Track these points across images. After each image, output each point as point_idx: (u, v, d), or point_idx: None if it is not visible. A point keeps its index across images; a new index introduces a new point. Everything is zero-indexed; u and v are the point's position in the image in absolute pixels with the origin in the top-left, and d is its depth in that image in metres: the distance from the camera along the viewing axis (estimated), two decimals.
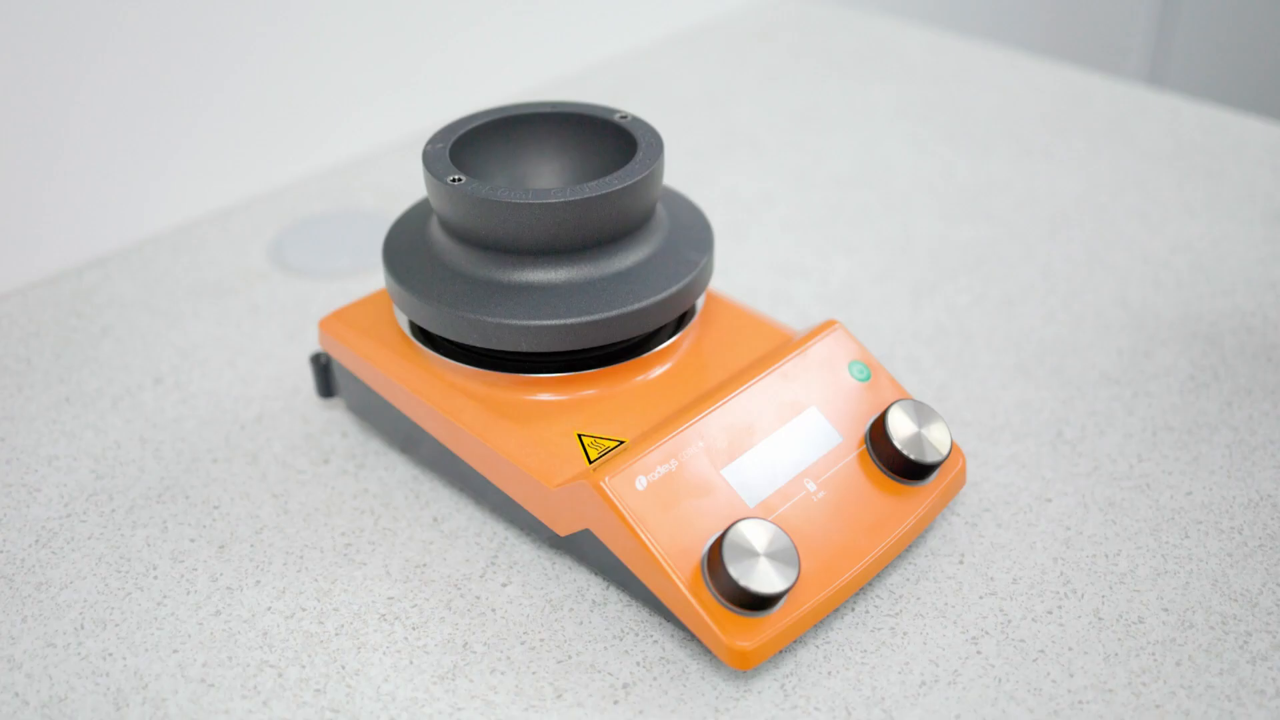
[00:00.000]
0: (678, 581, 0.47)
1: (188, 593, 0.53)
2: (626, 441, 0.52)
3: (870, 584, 0.53)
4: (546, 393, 0.55)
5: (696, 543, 0.49)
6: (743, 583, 0.47)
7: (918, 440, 0.53)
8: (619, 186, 0.52)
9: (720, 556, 0.47)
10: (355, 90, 0.89)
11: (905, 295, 0.73)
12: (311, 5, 0.84)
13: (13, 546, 0.56)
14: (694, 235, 0.57)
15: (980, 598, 0.52)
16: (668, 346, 0.57)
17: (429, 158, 0.54)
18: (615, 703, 0.48)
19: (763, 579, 0.47)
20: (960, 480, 0.56)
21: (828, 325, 0.57)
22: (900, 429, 0.53)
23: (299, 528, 0.57)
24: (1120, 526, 0.56)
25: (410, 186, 0.86)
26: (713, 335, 0.59)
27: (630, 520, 0.48)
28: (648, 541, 0.48)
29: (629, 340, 0.55)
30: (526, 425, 0.53)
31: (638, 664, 0.50)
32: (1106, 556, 0.54)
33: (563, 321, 0.52)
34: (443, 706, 0.48)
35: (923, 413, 0.54)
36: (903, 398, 0.56)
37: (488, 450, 0.53)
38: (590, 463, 0.51)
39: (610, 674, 0.49)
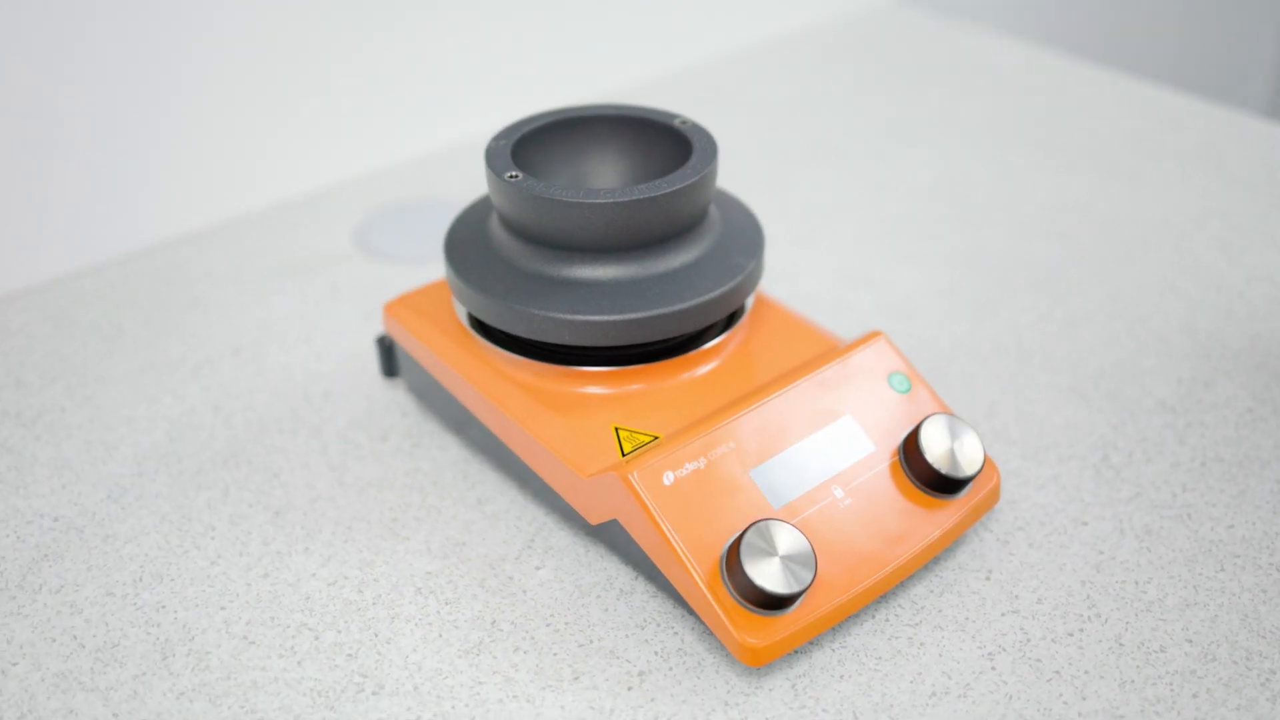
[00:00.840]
0: (696, 576, 0.49)
1: (240, 554, 0.57)
2: (661, 437, 0.54)
3: (893, 593, 0.54)
4: (591, 385, 0.56)
5: (718, 540, 0.50)
6: (758, 582, 0.48)
7: (950, 455, 0.54)
8: (667, 190, 0.53)
9: (738, 554, 0.48)
10: (449, 84, 0.92)
11: (968, 310, 0.73)
12: (410, 1, 0.87)
13: (86, 500, 0.60)
14: (744, 240, 0.58)
15: (1002, 615, 0.53)
16: (713, 347, 0.58)
17: (491, 154, 0.57)
18: (629, 689, 0.50)
19: (777, 579, 0.48)
20: (994, 497, 0.56)
21: (872, 335, 0.58)
22: (933, 442, 0.54)
23: (351, 500, 0.60)
24: (1154, 555, 0.55)
25: None
26: (759, 338, 0.60)
27: (654, 513, 0.50)
28: (670, 535, 0.49)
29: (672, 339, 0.57)
30: (567, 416, 0.55)
31: (655, 653, 0.51)
32: (1136, 584, 0.54)
33: (605, 318, 0.53)
34: (465, 679, 0.50)
35: (957, 428, 0.54)
36: (940, 411, 0.56)
37: (529, 438, 0.55)
38: (624, 456, 0.53)
39: (628, 661, 0.51)
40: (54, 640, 0.52)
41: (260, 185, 0.85)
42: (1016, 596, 0.54)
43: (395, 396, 0.67)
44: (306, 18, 0.83)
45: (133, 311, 0.75)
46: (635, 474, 0.50)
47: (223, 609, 0.54)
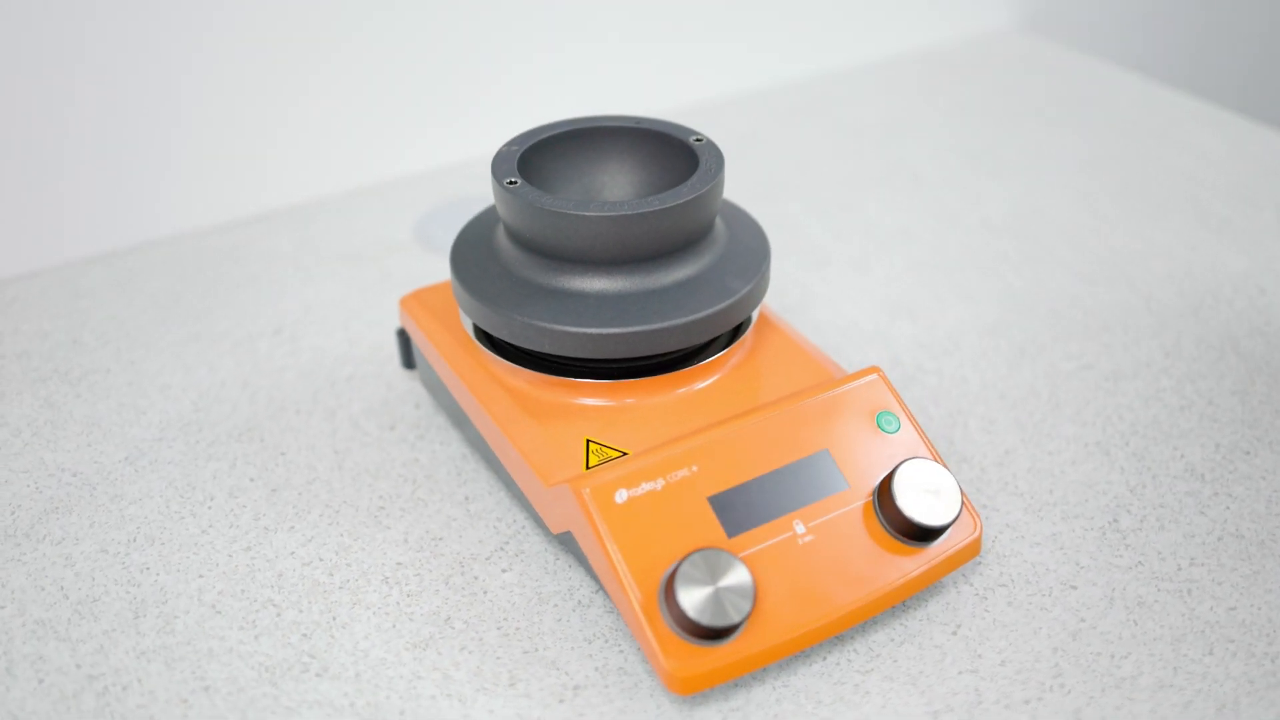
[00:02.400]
0: (632, 597, 0.49)
1: (230, 526, 0.59)
2: (630, 454, 0.53)
3: (850, 637, 0.52)
4: (583, 397, 0.56)
5: (663, 563, 0.49)
6: (688, 611, 0.47)
7: (923, 501, 0.52)
8: (657, 208, 0.53)
9: (673, 581, 0.48)
10: (525, 84, 0.93)
11: (1008, 353, 0.70)
12: (496, 2, 0.89)
13: (106, 459, 0.63)
14: (745, 262, 0.57)
15: (959, 673, 0.51)
16: (706, 366, 0.57)
17: (498, 159, 0.57)
18: (561, 701, 0.50)
19: (709, 610, 0.47)
20: (973, 550, 0.54)
21: (867, 371, 0.56)
22: (906, 487, 0.52)
23: (345, 484, 0.61)
24: (1140, 629, 0.52)
25: None
26: (757, 361, 0.59)
27: (600, 530, 0.50)
28: (612, 553, 0.49)
29: (662, 355, 0.57)
30: (544, 423, 0.55)
31: (596, 669, 0.51)
32: (1112, 657, 0.51)
33: (586, 330, 0.53)
34: (405, 672, 0.51)
35: (936, 475, 0.52)
36: (922, 456, 0.54)
37: (505, 441, 0.56)
38: (587, 469, 0.53)
39: (567, 673, 0.51)
40: (43, 589, 0.55)
41: (335, 172, 0.88)
42: (979, 656, 0.51)
43: (413, 388, 0.68)
44: (390, 16, 0.85)
45: (192, 285, 0.78)
46: (587, 488, 0.50)
47: (200, 577, 0.56)
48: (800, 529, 0.52)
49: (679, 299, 0.55)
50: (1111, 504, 0.59)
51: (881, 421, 0.55)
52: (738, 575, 0.48)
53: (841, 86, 1.04)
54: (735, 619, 0.47)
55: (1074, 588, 0.55)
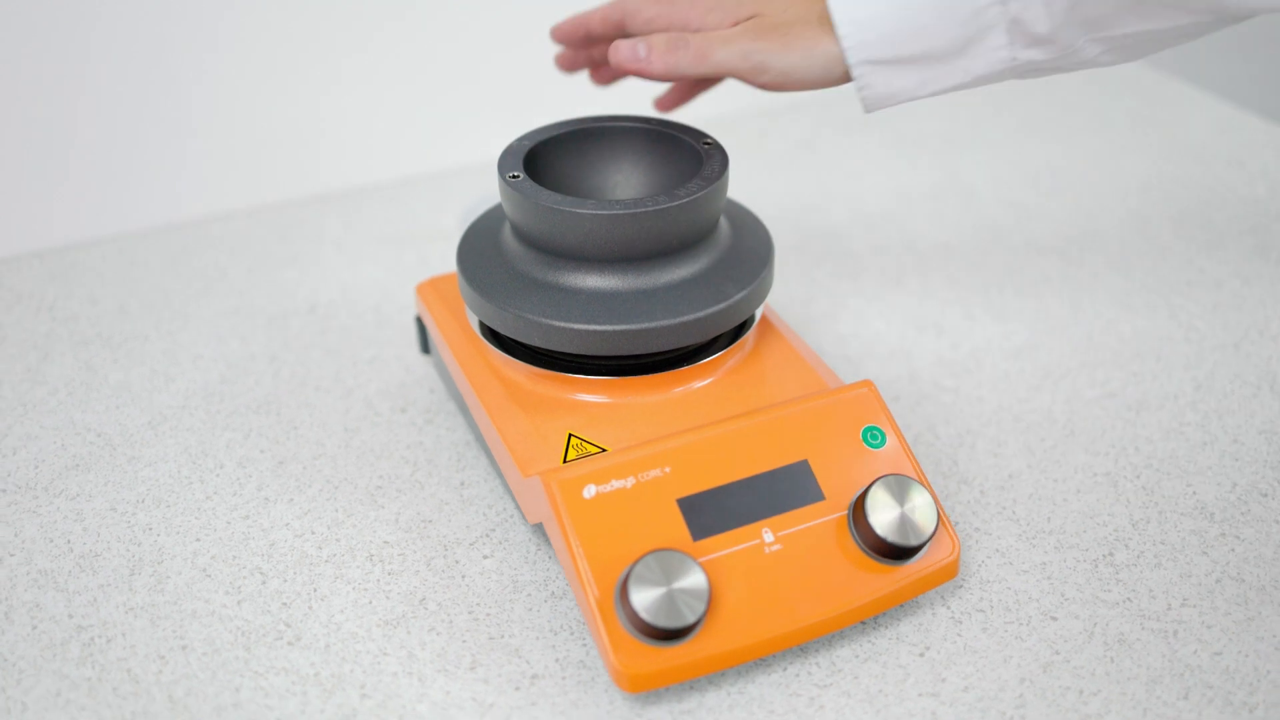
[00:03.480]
0: (588, 591, 0.49)
1: (234, 494, 0.61)
2: (609, 450, 0.54)
3: (815, 650, 0.52)
4: (574, 391, 0.57)
5: (625, 561, 0.50)
6: (639, 610, 0.47)
7: (897, 520, 0.51)
8: (650, 209, 0.53)
9: (628, 580, 0.48)
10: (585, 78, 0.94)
11: (1031, 375, 0.68)
12: None
13: (131, 422, 0.66)
14: (744, 267, 0.57)
15: (919, 695, 0.50)
16: (701, 367, 0.57)
17: (506, 152, 0.58)
18: (517, 689, 0.50)
19: (660, 611, 0.47)
20: (949, 572, 0.53)
21: (860, 384, 0.56)
22: (880, 504, 0.51)
23: (349, 462, 0.63)
24: (1116, 666, 0.51)
25: None
26: (753, 366, 0.59)
27: (565, 523, 0.50)
28: (574, 547, 0.50)
29: (649, 356, 0.57)
30: (531, 415, 0.56)
31: (556, 660, 0.52)
32: (1080, 693, 0.50)
33: (572, 325, 0.54)
34: (373, 647, 0.52)
35: (913, 493, 0.52)
36: (905, 474, 0.53)
37: (494, 430, 0.57)
38: (564, 462, 0.53)
39: (527, 662, 0.52)
40: (51, 541, 0.58)
41: (389, 159, 0.90)
42: (943, 680, 0.51)
43: (429, 373, 0.69)
44: (456, 7, 0.87)
45: (240, 260, 0.81)
46: (556, 481, 0.51)
47: (197, 540, 0.58)
48: (768, 537, 0.51)
49: (670, 300, 0.55)
50: (1110, 537, 0.57)
51: (867, 436, 0.55)
52: (693, 578, 0.48)
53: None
54: (688, 620, 0.48)
55: (1054, 619, 0.53)
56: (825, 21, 0.58)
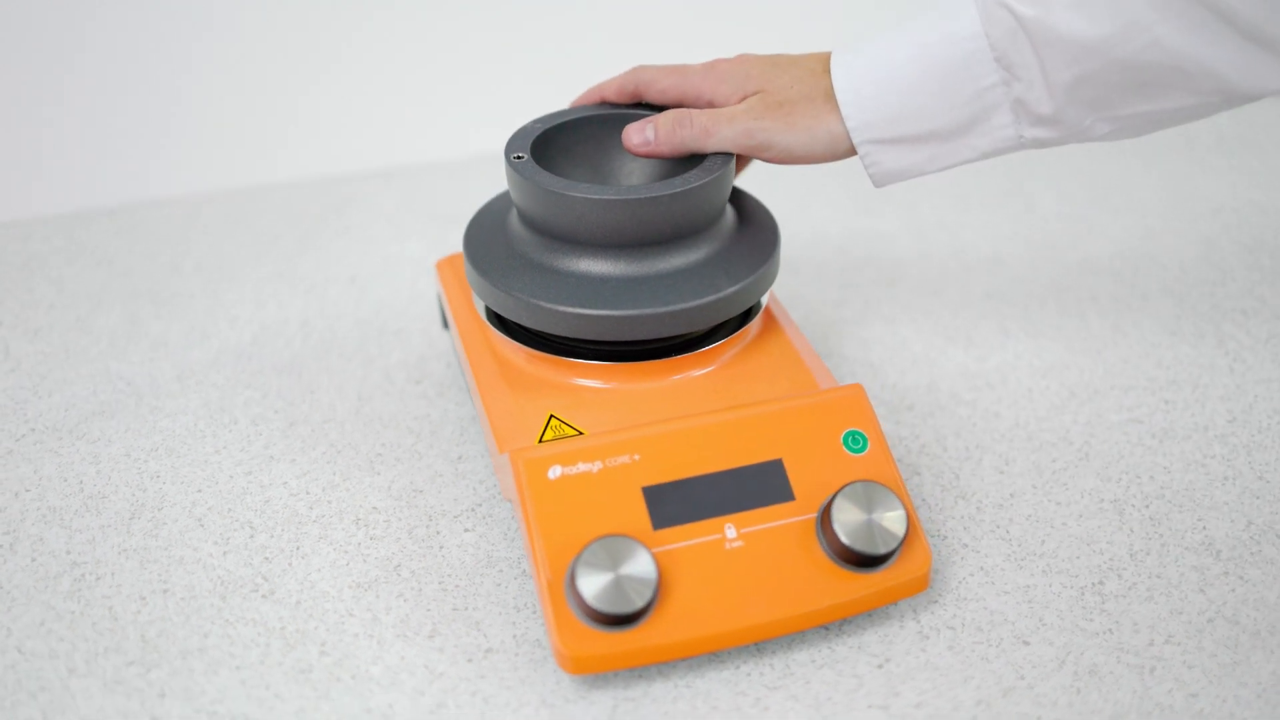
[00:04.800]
0: (541, 572, 0.49)
1: (242, 450, 0.63)
2: (586, 434, 0.54)
3: (771, 651, 0.51)
4: (570, 375, 0.57)
5: (581, 544, 0.50)
6: (583, 593, 0.47)
7: (863, 527, 0.50)
8: (642, 196, 0.53)
9: (576, 563, 0.48)
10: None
11: (1056, 395, 0.66)
12: None
13: (161, 375, 0.69)
14: (739, 264, 0.57)
15: (868, 708, 0.49)
16: (695, 358, 0.57)
17: (516, 134, 0.59)
18: (469, 660, 0.51)
19: (604, 596, 0.47)
20: (918, 585, 0.52)
21: (849, 387, 0.55)
22: (847, 509, 0.50)
23: (356, 428, 0.64)
24: (1082, 699, 0.49)
25: None
26: (749, 361, 0.58)
27: (527, 502, 0.51)
28: (532, 525, 0.50)
29: (643, 342, 0.57)
30: (518, 394, 0.57)
31: (513, 636, 0.52)
32: None
33: (556, 307, 0.54)
34: (341, 608, 0.54)
35: (883, 501, 0.51)
36: (883, 481, 0.52)
37: (481, 405, 0.57)
38: (540, 442, 0.54)
39: (485, 635, 0.52)
40: (65, 480, 0.61)
41: (455, 136, 0.92)
42: (896, 694, 0.49)
43: (449, 348, 0.71)
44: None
45: (294, 228, 0.83)
46: (523, 460, 0.51)
47: (198, 491, 0.60)
48: (731, 533, 0.51)
49: (661, 289, 0.55)
50: (1103, 565, 0.55)
51: (848, 440, 0.54)
52: (641, 565, 0.48)
53: None
54: (634, 607, 0.48)
55: (1026, 643, 0.51)
56: (830, 98, 0.57)
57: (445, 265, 0.66)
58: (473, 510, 0.59)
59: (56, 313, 0.74)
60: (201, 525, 0.58)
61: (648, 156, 0.59)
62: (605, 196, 0.53)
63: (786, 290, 0.76)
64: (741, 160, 0.63)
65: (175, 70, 0.87)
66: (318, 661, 0.51)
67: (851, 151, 0.58)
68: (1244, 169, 0.90)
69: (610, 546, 0.48)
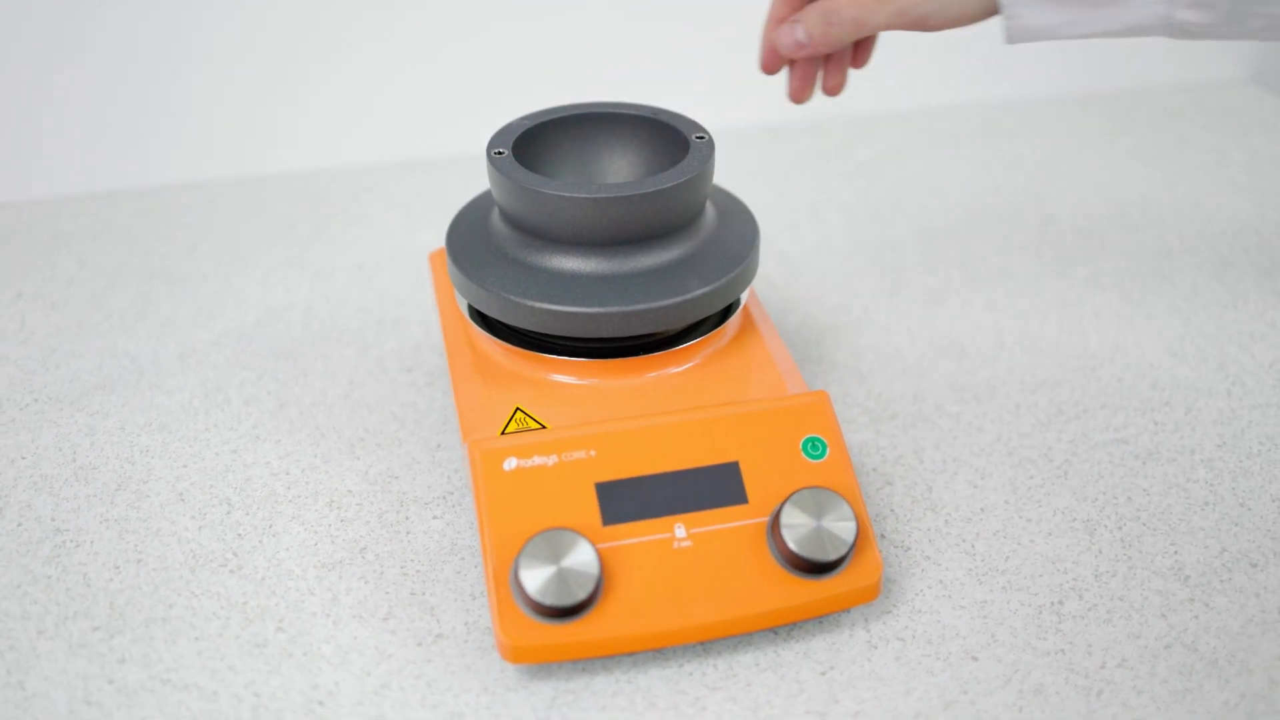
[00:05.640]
0: (488, 559, 0.50)
1: (230, 429, 0.65)
2: (548, 428, 0.55)
3: (716, 653, 0.51)
4: (540, 370, 0.58)
5: (530, 535, 0.50)
6: (524, 584, 0.48)
7: (811, 533, 0.50)
8: (611, 195, 0.54)
9: (520, 555, 0.49)
10: (687, 63, 0.94)
11: (1043, 411, 0.65)
12: None
13: (165, 353, 0.71)
14: (714, 265, 0.57)
15: (805, 713, 0.49)
16: (666, 357, 0.57)
17: (502, 130, 0.60)
18: (419, 644, 0.52)
19: (543, 588, 0.48)
20: (868, 594, 0.51)
21: (813, 394, 0.55)
22: (796, 515, 0.51)
23: (343, 412, 0.66)
24: (1024, 716, 0.48)
25: None
26: (721, 363, 0.59)
27: (481, 491, 0.51)
28: (484, 514, 0.51)
29: (613, 340, 0.57)
30: (489, 385, 0.57)
31: (465, 624, 0.53)
32: None
33: (524, 300, 0.55)
34: (303, 586, 0.55)
35: (834, 509, 0.51)
36: (838, 489, 0.52)
37: (453, 395, 0.58)
38: (501, 433, 0.55)
39: (437, 621, 0.53)
40: (60, 450, 0.63)
41: (479, 130, 0.93)
42: (836, 702, 0.49)
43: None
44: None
45: (311, 216, 0.85)
46: (480, 450, 0.52)
47: (184, 466, 0.62)
48: (680, 533, 0.51)
49: (628, 288, 0.55)
50: (1065, 584, 0.55)
51: (807, 446, 0.54)
52: (586, 562, 0.49)
53: (1014, 117, 0.99)
54: (575, 599, 0.48)
55: (975, 659, 0.51)
56: None
57: (436, 258, 0.67)
58: (444, 498, 0.60)
59: (75, 288, 0.77)
60: (182, 500, 0.60)
61: (805, 57, 0.60)
62: (576, 194, 0.54)
63: (785, 294, 0.76)
64: (863, 47, 0.64)
65: (209, 60, 0.89)
66: (273, 637, 0.52)
67: (994, 8, 0.58)
68: (1274, 191, 0.88)
69: (552, 539, 0.49)
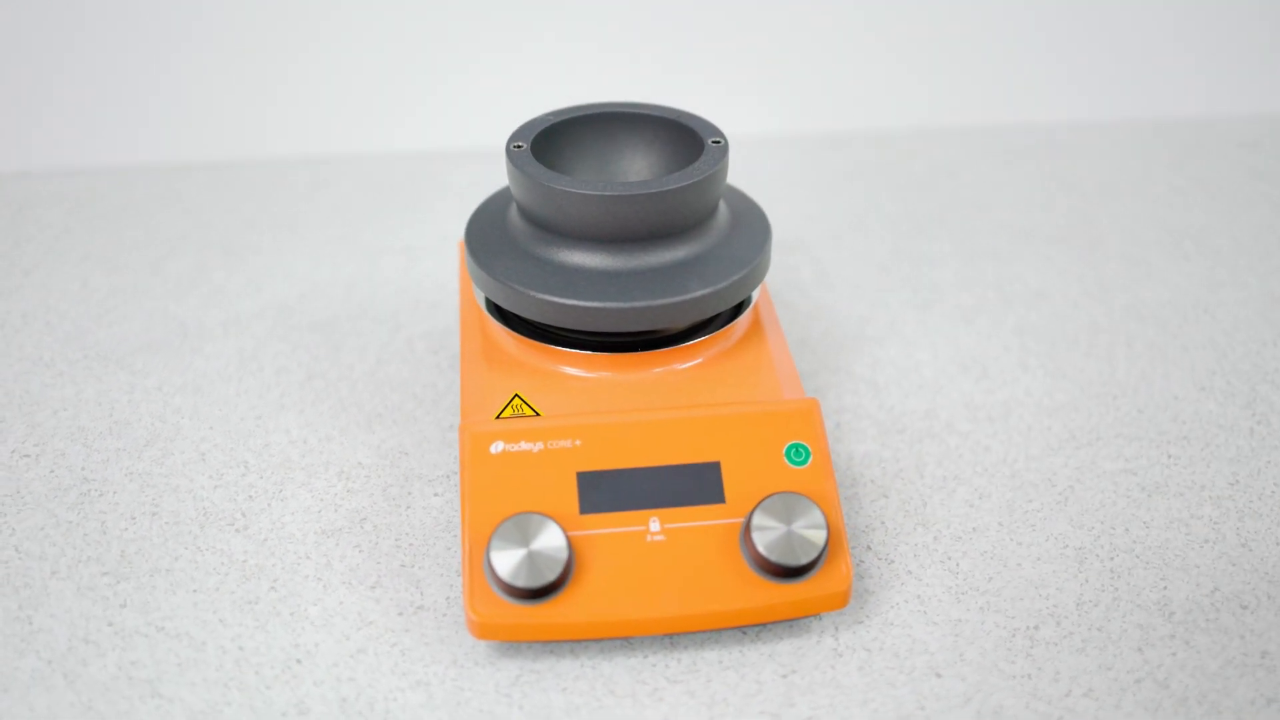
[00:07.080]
0: (466, 540, 0.52)
1: (258, 396, 0.68)
2: (542, 415, 0.56)
3: (682, 647, 0.52)
4: (548, 361, 0.60)
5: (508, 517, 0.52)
6: (495, 563, 0.50)
7: (782, 538, 0.51)
8: (620, 193, 0.55)
9: (493, 536, 0.51)
10: (724, 60, 0.95)
11: (1055, 436, 0.65)
12: None
13: (210, 319, 0.74)
14: (719, 269, 0.58)
15: (759, 714, 0.50)
16: (671, 354, 0.59)
17: (525, 125, 0.61)
18: (400, 614, 0.54)
19: (511, 568, 0.50)
20: (836, 601, 0.52)
21: (802, 401, 0.55)
22: (768, 519, 0.51)
23: (365, 388, 0.68)
24: None
25: None
26: (725, 363, 0.59)
27: (466, 471, 0.53)
28: (466, 494, 0.53)
29: (619, 335, 0.58)
30: (493, 372, 0.59)
31: (446, 598, 0.55)
32: None
33: (528, 291, 0.56)
34: (299, 550, 0.57)
35: (805, 515, 0.51)
36: (816, 497, 0.53)
37: (460, 378, 0.60)
38: (496, 418, 0.56)
39: (421, 594, 0.55)
40: (99, 404, 0.67)
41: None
42: (791, 705, 0.50)
43: None
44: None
45: (371, 198, 0.88)
46: (468, 432, 0.54)
47: (210, 429, 0.65)
48: (654, 527, 0.52)
49: (631, 285, 0.56)
50: (1044, 610, 0.54)
51: (791, 451, 0.54)
52: (555, 546, 0.50)
53: (1079, 138, 0.97)
54: (543, 582, 0.50)
55: (939, 676, 0.51)
56: None
57: (463, 245, 0.69)
58: (447, 477, 0.62)
59: (138, 253, 0.81)
60: (203, 459, 0.63)
61: None
62: (585, 191, 0.55)
63: (816, 301, 0.76)
64: None
65: (290, 44, 0.92)
66: (265, 595, 0.55)
67: None
68: None
69: (523, 523, 0.50)
